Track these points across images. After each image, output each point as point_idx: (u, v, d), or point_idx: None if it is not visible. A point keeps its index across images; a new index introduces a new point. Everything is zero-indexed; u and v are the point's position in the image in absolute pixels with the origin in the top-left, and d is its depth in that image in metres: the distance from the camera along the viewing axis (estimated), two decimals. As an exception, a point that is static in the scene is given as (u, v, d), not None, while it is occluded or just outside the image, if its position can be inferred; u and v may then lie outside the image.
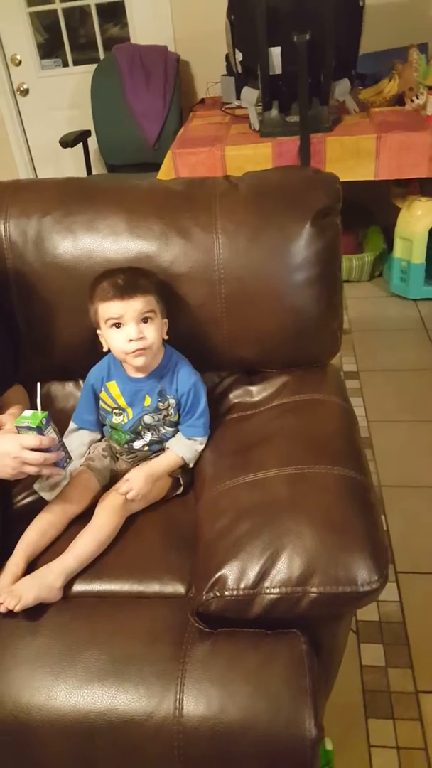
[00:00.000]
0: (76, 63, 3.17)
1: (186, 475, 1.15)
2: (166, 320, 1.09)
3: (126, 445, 1.14)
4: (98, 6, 3.04)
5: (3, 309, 1.19)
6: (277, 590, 0.84)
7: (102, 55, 3.13)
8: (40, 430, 0.92)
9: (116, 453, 1.16)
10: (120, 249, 1.15)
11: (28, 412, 0.94)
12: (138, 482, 1.05)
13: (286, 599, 0.84)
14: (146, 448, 1.15)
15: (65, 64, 3.19)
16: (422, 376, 2.14)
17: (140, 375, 1.09)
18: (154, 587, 0.97)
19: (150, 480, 1.08)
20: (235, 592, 0.85)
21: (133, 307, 1.02)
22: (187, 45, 3.01)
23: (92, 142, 2.99)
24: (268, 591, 0.84)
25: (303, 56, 2.01)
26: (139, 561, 1.01)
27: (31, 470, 0.93)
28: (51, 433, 0.95)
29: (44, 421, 0.93)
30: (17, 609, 0.89)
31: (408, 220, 2.46)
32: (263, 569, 0.85)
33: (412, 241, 2.45)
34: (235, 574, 0.86)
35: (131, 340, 1.02)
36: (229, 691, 0.82)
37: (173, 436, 1.14)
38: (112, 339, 1.05)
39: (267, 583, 0.84)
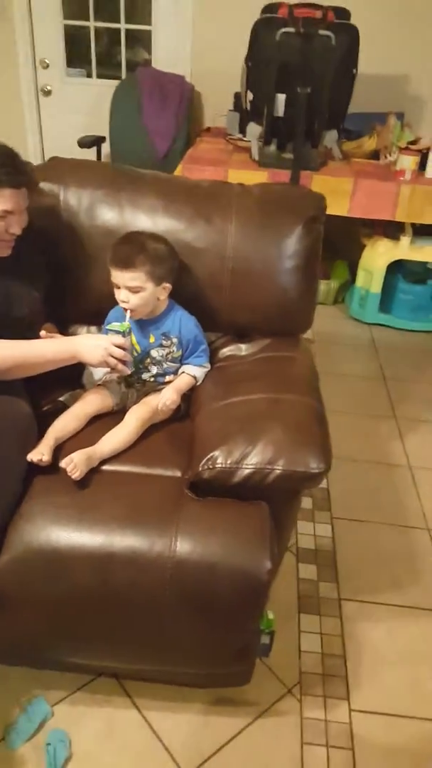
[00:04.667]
0: (99, 76, 3.55)
1: (185, 403, 1.47)
2: (167, 285, 1.39)
3: (136, 376, 1.46)
4: (127, 31, 3.44)
5: (54, 257, 1.51)
6: (252, 466, 1.17)
7: (124, 74, 3.51)
8: (123, 335, 1.28)
9: (128, 382, 1.48)
10: (155, 224, 1.49)
11: (117, 323, 1.31)
12: (171, 393, 1.37)
13: (259, 473, 1.17)
14: (152, 380, 1.47)
15: (89, 75, 3.56)
16: (366, 382, 2.55)
17: (136, 318, 1.39)
18: (159, 470, 1.28)
19: (178, 394, 1.39)
20: (222, 466, 1.18)
21: (125, 278, 1.33)
22: (201, 78, 3.43)
23: (104, 147, 3.35)
24: (246, 466, 1.17)
25: (302, 105, 2.44)
26: (149, 453, 1.32)
27: (112, 362, 1.25)
28: (129, 342, 1.30)
29: (128, 331, 1.29)
30: (78, 477, 1.18)
31: (371, 256, 2.90)
32: (244, 452, 1.18)
33: (373, 273, 2.89)
34: (224, 454, 1.19)
35: (122, 302, 1.35)
36: (213, 533, 1.13)
37: (174, 371, 1.47)
38: (115, 293, 1.37)
39: (246, 461, 1.17)
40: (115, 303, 1.42)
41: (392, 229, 2.89)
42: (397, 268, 3.01)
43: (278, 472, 1.17)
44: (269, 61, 2.41)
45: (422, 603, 1.57)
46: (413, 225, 2.84)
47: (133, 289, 1.35)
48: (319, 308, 3.18)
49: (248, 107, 2.64)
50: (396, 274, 3.02)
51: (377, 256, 2.87)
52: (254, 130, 2.65)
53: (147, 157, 3.28)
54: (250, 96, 2.60)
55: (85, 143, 3.20)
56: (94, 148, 3.29)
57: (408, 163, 2.62)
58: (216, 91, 3.37)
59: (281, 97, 2.49)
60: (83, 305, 1.56)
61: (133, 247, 1.35)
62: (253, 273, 1.50)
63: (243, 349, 1.56)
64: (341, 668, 1.40)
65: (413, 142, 2.82)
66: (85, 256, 1.52)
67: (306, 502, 1.86)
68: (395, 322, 3.01)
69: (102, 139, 3.33)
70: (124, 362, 1.30)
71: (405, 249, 2.84)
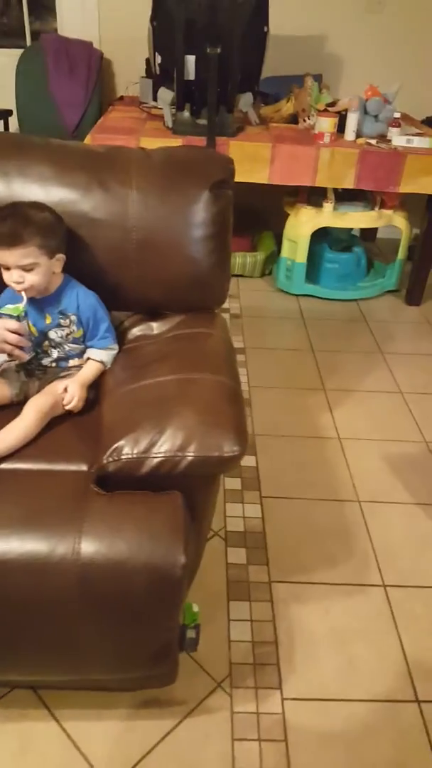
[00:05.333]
0: (2, 47, 3.29)
1: (93, 390, 1.35)
2: (60, 255, 1.26)
3: (36, 362, 1.33)
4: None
5: None
6: (162, 454, 1.08)
7: (29, 44, 3.27)
8: (19, 319, 1.18)
9: (28, 370, 1.34)
10: (47, 194, 1.35)
11: (11, 305, 1.20)
12: (75, 390, 1.26)
13: (169, 461, 1.07)
14: (54, 365, 1.34)
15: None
16: (295, 355, 2.49)
17: (31, 296, 1.26)
18: (62, 466, 1.17)
19: (83, 387, 1.28)
20: (128, 456, 1.08)
21: (15, 256, 1.19)
22: (111, 45, 3.23)
23: (12, 122, 3.12)
24: (155, 455, 1.08)
25: (213, 66, 2.31)
26: (52, 447, 1.20)
27: (8, 348, 1.18)
28: (25, 325, 1.21)
29: (22, 315, 1.20)
30: None
31: (294, 225, 2.83)
32: (152, 440, 1.08)
33: (297, 242, 2.82)
34: (130, 444, 1.09)
35: (14, 283, 1.22)
36: (120, 531, 1.03)
37: (78, 354, 1.35)
38: (3, 276, 1.23)
39: (155, 449, 1.08)
40: (4, 284, 1.28)
41: (315, 197, 2.82)
42: (322, 237, 2.96)
43: (190, 458, 1.08)
44: (175, 20, 2.26)
45: (355, 578, 1.53)
46: (336, 191, 2.78)
47: (27, 267, 1.21)
48: (247, 281, 3.12)
49: (158, 71, 2.49)
50: (322, 244, 2.97)
51: (300, 225, 2.80)
52: (166, 95, 2.51)
53: (57, 130, 3.07)
54: (158, 59, 2.44)
55: (-13, 115, 2.96)
56: (1, 123, 3.06)
57: (326, 125, 2.54)
58: (128, 58, 3.19)
59: (191, 59, 2.35)
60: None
61: (16, 221, 1.20)
62: (160, 244, 1.38)
63: (154, 327, 1.45)
64: (273, 656, 1.34)
65: (331, 104, 2.75)
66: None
67: (234, 483, 1.79)
68: (323, 292, 2.97)
69: (8, 112, 3.09)
70: (21, 348, 1.19)
71: (328, 216, 2.78)
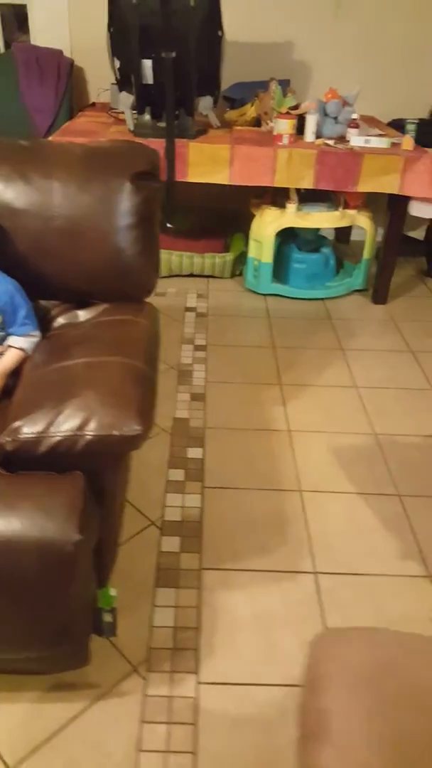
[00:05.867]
0: (-26, 54, 3.36)
1: (13, 378, 1.37)
2: None
3: None
4: (2, 5, 3.27)
5: None
6: (60, 434, 1.09)
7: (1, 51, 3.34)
8: None
9: None
10: (-31, 185, 1.38)
11: None
12: None
13: (67, 440, 1.08)
14: (-27, 353, 1.37)
15: (-36, 54, 3.37)
16: (256, 351, 2.50)
17: None
18: (-30, 448, 1.19)
19: (3, 376, 1.30)
20: (25, 436, 1.09)
21: None
22: (82, 53, 3.29)
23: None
24: (52, 434, 1.09)
25: (169, 70, 2.35)
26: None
27: None
28: None
29: None
30: None
31: (259, 225, 2.85)
32: (50, 419, 1.10)
33: (262, 243, 2.85)
34: (29, 423, 1.10)
35: None
36: (16, 509, 1.04)
37: (-1, 341, 1.37)
38: None
39: (52, 429, 1.09)
40: None
41: (280, 198, 2.84)
42: (291, 238, 2.98)
43: (89, 437, 1.09)
44: (129, 26, 2.31)
45: (286, 565, 1.53)
46: (300, 192, 2.80)
47: None
48: (217, 282, 3.14)
49: (118, 76, 2.54)
50: (290, 244, 2.99)
51: (265, 225, 2.82)
52: (126, 99, 2.56)
53: (29, 136, 3.13)
54: (117, 64, 2.49)
55: (-40, 123, 3.02)
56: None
57: (284, 127, 2.57)
58: (100, 65, 3.23)
59: (147, 63, 2.40)
60: None
61: None
62: (81, 233, 1.40)
63: (80, 315, 1.47)
64: (193, 641, 1.34)
65: (295, 108, 2.78)
66: None
67: (177, 474, 1.80)
68: (291, 291, 2.98)
69: (-21, 118, 3.16)
70: None
71: (292, 217, 2.80)
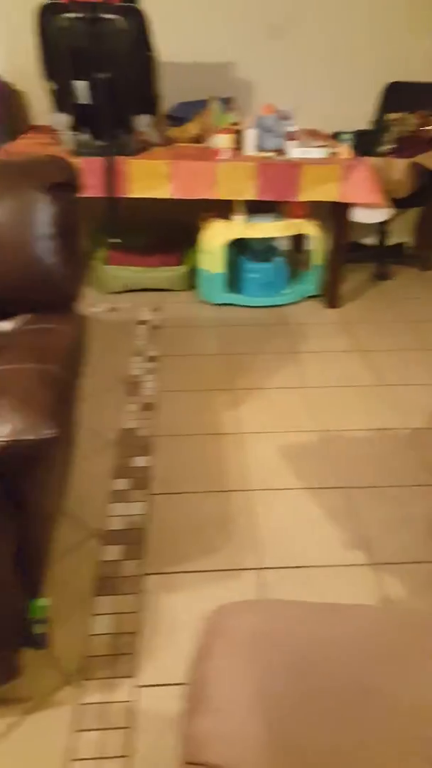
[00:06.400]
0: None
1: None
2: None
3: None
4: None
5: None
6: (-32, 439, 1.08)
7: None
8: None
9: None
10: None
11: None
12: None
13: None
14: None
15: None
16: (211, 359, 2.51)
17: None
18: None
19: None
20: None
21: None
22: (21, 77, 3.36)
23: None
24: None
25: (102, 91, 2.40)
26: None
27: None
28: None
29: None
30: None
31: (207, 237, 2.89)
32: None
33: (212, 254, 2.88)
34: None
35: None
36: None
37: None
38: None
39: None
40: None
41: (229, 210, 2.89)
42: (244, 249, 3.03)
43: (0, 443, 1.09)
44: (60, 49, 2.36)
45: (229, 564, 1.52)
46: (249, 204, 2.85)
47: None
48: (171, 295, 3.17)
49: (54, 98, 2.58)
50: (243, 255, 3.03)
51: (213, 237, 2.86)
52: (62, 119, 2.60)
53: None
54: (53, 86, 2.54)
55: None
56: None
57: (223, 141, 2.63)
58: (39, 88, 3.30)
59: (81, 84, 2.45)
60: None
61: None
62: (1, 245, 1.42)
63: (2, 326, 1.47)
64: (131, 646, 1.32)
65: (235, 124, 2.85)
66: None
67: (122, 484, 1.79)
68: (245, 300, 3.01)
69: None
70: None
71: (239, 228, 2.84)
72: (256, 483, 1.79)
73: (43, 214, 1.43)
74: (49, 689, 1.23)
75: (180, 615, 1.39)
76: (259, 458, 1.90)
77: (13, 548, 1.13)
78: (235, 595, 1.43)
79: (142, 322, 2.82)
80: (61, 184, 1.46)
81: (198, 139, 2.96)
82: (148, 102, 2.64)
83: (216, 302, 3.00)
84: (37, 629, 1.22)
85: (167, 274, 3.12)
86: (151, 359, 2.49)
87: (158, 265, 3.13)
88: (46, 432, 1.10)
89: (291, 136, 2.73)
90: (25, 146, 2.83)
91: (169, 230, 3.35)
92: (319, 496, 1.74)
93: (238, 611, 0.77)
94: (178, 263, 3.23)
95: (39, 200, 1.42)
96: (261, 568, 1.50)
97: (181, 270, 3.14)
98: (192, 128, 2.97)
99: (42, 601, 1.25)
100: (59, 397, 1.18)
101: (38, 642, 1.22)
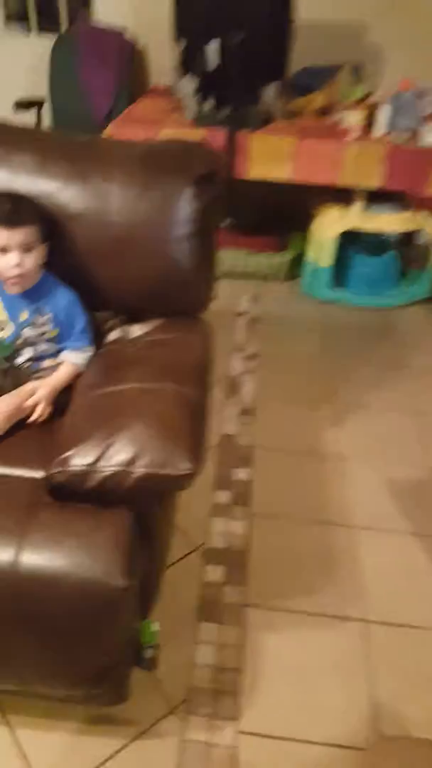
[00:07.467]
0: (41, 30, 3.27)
1: (64, 394, 1.29)
2: (46, 244, 1.23)
3: (8, 362, 1.29)
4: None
5: None
6: (110, 468, 1.01)
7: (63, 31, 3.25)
8: None
9: (1, 368, 1.30)
10: (28, 184, 1.29)
11: None
12: (42, 397, 1.23)
13: (117, 475, 1.01)
14: (27, 365, 1.30)
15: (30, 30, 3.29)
16: (312, 364, 2.36)
17: (16, 291, 1.24)
18: (20, 471, 1.12)
19: (54, 392, 1.25)
20: (75, 468, 1.02)
21: (17, 236, 1.16)
22: (146, 33, 3.16)
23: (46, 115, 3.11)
24: (102, 468, 1.01)
25: (237, 53, 2.21)
26: (13, 450, 1.17)
27: None
28: None
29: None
30: None
31: (320, 226, 2.69)
32: (100, 452, 1.02)
33: (323, 245, 2.69)
34: (80, 455, 1.03)
35: (12, 267, 1.18)
36: (61, 545, 0.98)
37: (52, 354, 1.30)
38: None
39: (102, 463, 1.01)
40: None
41: (346, 196, 2.68)
42: (353, 239, 2.81)
43: (138, 474, 1.01)
44: (195, 4, 2.17)
45: (333, 610, 1.43)
46: (369, 191, 2.63)
47: (27, 245, 1.18)
48: (270, 285, 2.99)
49: (181, 59, 2.41)
50: (353, 246, 2.81)
51: (326, 227, 2.66)
52: (188, 84, 2.42)
53: (88, 119, 3.04)
54: (181, 46, 2.36)
55: (21, 105, 2.97)
56: (34, 111, 3.06)
57: (354, 119, 2.40)
58: (162, 48, 3.11)
59: (213, 47, 2.26)
60: None
61: (12, 199, 1.20)
62: (139, 241, 1.31)
63: (133, 331, 1.38)
64: (235, 684, 1.26)
65: (366, 97, 2.59)
66: None
67: (224, 496, 1.71)
68: (350, 298, 2.81)
69: (40, 104, 3.09)
70: None
71: (356, 218, 2.63)
72: (359, 519, 1.67)
73: (186, 210, 1.30)
74: (154, 716, 1.19)
75: (284, 659, 1.31)
76: (362, 489, 1.77)
77: (140, 577, 1.06)
78: (341, 648, 1.34)
79: (240, 314, 2.68)
80: (205, 176, 1.32)
81: (324, 111, 2.72)
82: (280, 69, 2.42)
83: (320, 298, 2.81)
84: (147, 653, 1.18)
85: (269, 260, 2.95)
86: (251, 357, 2.37)
87: (260, 250, 2.95)
88: (185, 467, 1.02)
89: (429, 118, 2.47)
90: (144, 110, 2.68)
91: (274, 212, 3.13)
92: (430, 544, 1.61)
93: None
94: (282, 249, 3.04)
95: (183, 196, 1.30)
96: (367, 621, 1.40)
97: (284, 257, 2.95)
98: (319, 99, 2.73)
99: (155, 626, 1.19)
100: (197, 426, 1.09)
101: (147, 665, 1.18)
